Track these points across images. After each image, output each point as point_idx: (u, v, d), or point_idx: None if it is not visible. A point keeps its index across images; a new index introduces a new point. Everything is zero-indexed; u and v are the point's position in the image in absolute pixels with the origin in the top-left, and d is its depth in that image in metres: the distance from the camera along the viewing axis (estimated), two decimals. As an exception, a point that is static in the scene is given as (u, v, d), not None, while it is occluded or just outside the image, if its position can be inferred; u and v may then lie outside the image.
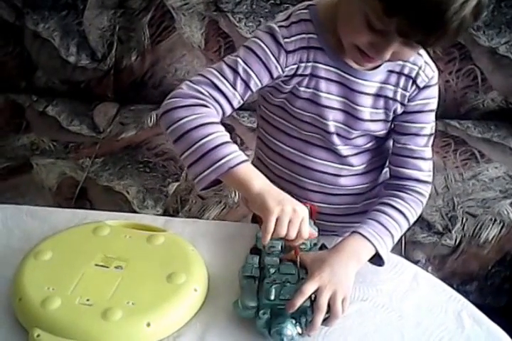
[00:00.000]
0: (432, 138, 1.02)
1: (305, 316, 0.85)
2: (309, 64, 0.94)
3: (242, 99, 0.93)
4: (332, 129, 1.00)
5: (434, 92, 1.00)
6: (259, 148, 1.11)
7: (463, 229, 1.55)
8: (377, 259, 0.95)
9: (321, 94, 0.97)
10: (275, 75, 0.93)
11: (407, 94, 0.98)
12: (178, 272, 0.93)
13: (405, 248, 1.48)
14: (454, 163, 1.74)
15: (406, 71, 0.97)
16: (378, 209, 0.99)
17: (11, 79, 1.98)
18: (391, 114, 1.00)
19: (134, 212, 1.54)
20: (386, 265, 0.97)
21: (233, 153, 0.85)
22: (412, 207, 1.00)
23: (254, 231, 1.01)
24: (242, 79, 0.91)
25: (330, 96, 0.97)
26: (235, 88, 0.91)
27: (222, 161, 0.84)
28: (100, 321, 0.85)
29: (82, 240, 0.99)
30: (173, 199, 1.61)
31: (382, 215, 0.97)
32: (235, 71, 0.91)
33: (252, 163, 1.11)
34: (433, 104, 1.01)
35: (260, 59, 0.92)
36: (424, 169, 1.02)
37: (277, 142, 1.05)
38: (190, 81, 0.91)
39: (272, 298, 0.86)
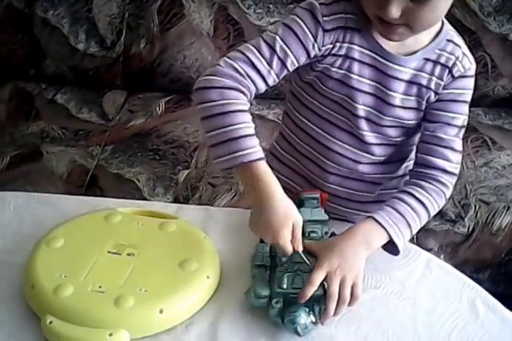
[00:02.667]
0: (463, 130, 1.00)
1: (318, 304, 0.85)
2: (345, 44, 0.94)
3: (278, 78, 0.93)
4: (361, 113, 0.99)
5: (469, 84, 0.99)
6: (285, 124, 1.10)
7: (476, 216, 1.54)
8: (392, 247, 0.94)
9: (352, 76, 0.96)
10: (312, 54, 0.93)
11: (442, 83, 0.97)
12: (190, 259, 0.93)
13: (417, 236, 1.46)
14: (466, 150, 1.71)
15: (442, 60, 0.97)
16: (398, 196, 0.97)
17: (20, 67, 1.97)
18: (424, 103, 0.99)
19: (145, 199, 1.54)
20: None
21: (251, 149, 0.86)
22: (433, 198, 0.97)
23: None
24: (279, 57, 0.91)
25: (362, 79, 0.96)
26: (271, 66, 0.91)
27: (238, 154, 0.85)
28: (113, 308, 0.85)
29: (94, 227, 0.99)
30: (184, 186, 1.60)
31: (401, 203, 0.95)
32: (273, 49, 0.91)
33: (275, 140, 1.13)
34: (467, 96, 0.99)
35: (298, 38, 0.91)
36: (451, 160, 0.99)
37: (303, 119, 1.04)
38: (228, 57, 0.91)
39: (285, 286, 0.86)
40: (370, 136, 1.01)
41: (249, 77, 0.89)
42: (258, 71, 0.90)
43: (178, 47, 1.87)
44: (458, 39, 0.99)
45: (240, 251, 0.98)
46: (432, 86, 0.98)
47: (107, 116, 1.86)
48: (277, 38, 0.91)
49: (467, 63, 0.98)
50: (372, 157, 1.04)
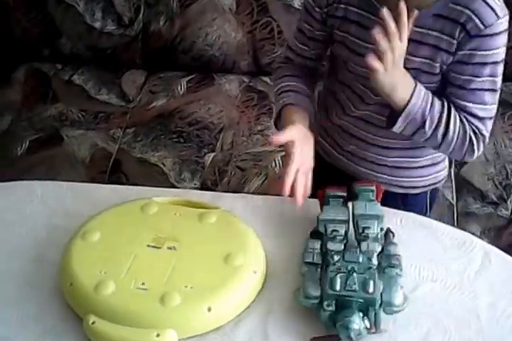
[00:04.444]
0: (490, 93, 0.90)
1: (373, 309, 0.79)
2: (341, 5, 0.93)
3: (323, 48, 1.03)
4: (367, 75, 0.92)
5: (492, 43, 0.87)
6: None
7: (519, 198, 1.48)
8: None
9: (351, 38, 0.94)
10: (318, 18, 0.98)
11: (454, 41, 0.87)
12: (235, 253, 0.87)
13: (458, 220, 1.41)
14: (503, 127, 1.64)
15: (453, 15, 0.86)
16: (443, 101, 0.91)
17: (34, 47, 1.90)
18: (438, 65, 0.90)
19: (172, 185, 1.49)
20: (454, 242, 0.92)
21: (285, 98, 1.00)
22: (462, 120, 0.91)
23: (313, 208, 0.95)
24: (308, 37, 1.01)
25: (361, 42, 0.93)
26: (308, 46, 1.03)
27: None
28: (158, 306, 0.80)
29: (130, 219, 0.94)
30: (211, 170, 1.54)
31: (439, 103, 0.91)
32: (301, 31, 1.02)
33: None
34: (488, 57, 0.88)
35: (307, 10, 0.99)
36: (477, 126, 0.92)
37: (330, 78, 1.07)
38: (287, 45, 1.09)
39: (338, 288, 0.80)
40: (376, 98, 0.96)
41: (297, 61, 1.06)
42: (301, 55, 1.05)
43: (200, 24, 1.79)
44: None
45: (284, 242, 0.93)
46: (443, 45, 0.88)
47: (127, 97, 1.79)
48: (299, 21, 1.03)
49: (489, 18, 0.85)
50: (381, 118, 0.99)
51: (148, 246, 0.88)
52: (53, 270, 0.90)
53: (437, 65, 0.90)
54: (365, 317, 0.79)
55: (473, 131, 0.93)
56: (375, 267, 0.83)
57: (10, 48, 1.90)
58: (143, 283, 0.83)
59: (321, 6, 0.96)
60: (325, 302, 0.80)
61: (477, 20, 0.85)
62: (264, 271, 0.88)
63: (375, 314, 0.80)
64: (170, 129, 1.66)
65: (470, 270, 0.90)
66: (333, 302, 0.80)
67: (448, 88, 0.93)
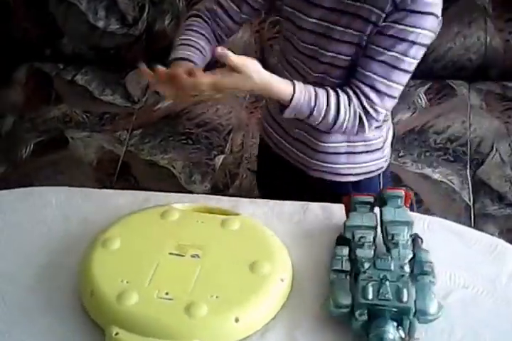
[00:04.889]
0: (399, 73, 0.90)
1: (408, 318, 0.77)
2: None
3: (250, 16, 1.02)
4: (307, 52, 0.96)
5: (414, 20, 0.87)
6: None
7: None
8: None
9: (297, 13, 0.95)
10: None
11: (383, 15, 0.88)
12: (260, 260, 0.84)
13: (475, 221, 1.39)
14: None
15: None
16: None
17: (35, 47, 1.87)
18: (366, 38, 0.90)
19: (182, 187, 1.46)
20: (484, 247, 0.90)
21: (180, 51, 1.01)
22: (350, 99, 0.92)
23: (338, 213, 0.93)
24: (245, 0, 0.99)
25: (304, 17, 0.94)
26: (240, 9, 1.00)
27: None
28: (184, 317, 0.77)
29: (151, 226, 0.91)
30: (221, 173, 1.52)
31: (322, 90, 0.92)
32: None
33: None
34: (404, 32, 0.87)
35: None
36: (372, 99, 0.92)
37: (277, 60, 1.08)
38: None
39: (370, 297, 0.77)
40: (313, 76, 0.98)
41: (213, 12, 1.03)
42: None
43: (206, 23, 1.76)
44: None
45: (308, 249, 0.91)
46: (373, 18, 0.89)
47: (132, 97, 1.76)
48: None
49: None
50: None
51: (171, 254, 0.85)
52: (71, 278, 0.87)
53: (365, 37, 0.91)
54: (400, 327, 0.77)
55: (364, 109, 0.93)
56: (407, 275, 0.80)
57: (10, 48, 1.86)
58: (167, 293, 0.80)
59: None
60: (357, 312, 0.77)
61: None
62: (291, 278, 0.86)
63: (410, 323, 0.77)
64: (178, 131, 1.63)
65: (502, 275, 0.87)
66: (366, 311, 0.77)
67: (359, 60, 0.92)
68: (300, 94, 0.90)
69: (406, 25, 0.88)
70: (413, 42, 0.89)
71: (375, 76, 0.91)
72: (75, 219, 0.98)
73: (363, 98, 0.93)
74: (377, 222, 0.89)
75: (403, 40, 0.88)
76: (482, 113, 1.66)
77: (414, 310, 0.77)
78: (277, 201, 1.01)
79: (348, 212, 0.91)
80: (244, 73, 0.85)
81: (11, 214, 0.99)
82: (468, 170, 1.51)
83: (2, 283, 0.88)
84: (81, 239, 0.92)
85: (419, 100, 1.69)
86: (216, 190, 1.47)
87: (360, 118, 0.94)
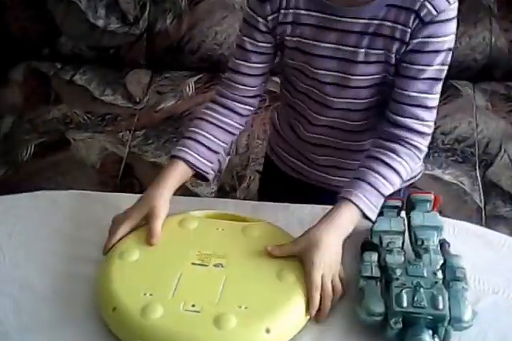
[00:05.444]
0: (439, 83, 0.89)
1: (443, 325, 0.75)
2: (290, 11, 0.90)
3: (265, 62, 0.96)
4: (326, 79, 0.93)
5: (444, 29, 0.86)
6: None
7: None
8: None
9: (307, 41, 0.91)
10: (264, 29, 0.92)
11: (409, 30, 0.86)
12: (287, 268, 0.82)
13: (487, 223, 1.38)
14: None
15: (407, 3, 0.85)
16: (368, 165, 0.89)
17: (32, 46, 1.82)
18: (393, 56, 0.88)
19: (188, 189, 1.43)
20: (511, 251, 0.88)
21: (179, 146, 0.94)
22: (405, 161, 0.90)
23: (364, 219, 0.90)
24: (249, 50, 0.94)
25: (318, 43, 0.91)
26: (251, 62, 0.95)
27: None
28: (214, 330, 0.74)
29: (169, 235, 0.87)
30: (228, 175, 1.49)
31: (371, 173, 0.88)
32: (242, 48, 0.95)
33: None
34: (441, 44, 0.87)
35: (249, 23, 0.93)
36: (423, 118, 0.90)
37: (285, 91, 1.03)
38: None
39: (405, 304, 0.75)
40: (340, 102, 0.95)
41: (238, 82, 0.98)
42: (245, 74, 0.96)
43: (209, 23, 1.73)
44: None
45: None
46: (398, 35, 0.86)
47: (133, 98, 1.72)
48: (239, 34, 0.96)
49: (442, 4, 0.84)
50: (351, 123, 0.98)
51: (194, 264, 0.82)
52: (88, 288, 0.83)
53: (393, 55, 0.88)
54: (435, 335, 0.75)
55: (413, 146, 0.91)
56: (440, 281, 0.78)
57: (7, 47, 1.81)
58: (193, 305, 0.77)
59: (265, 15, 0.91)
60: (392, 320, 0.75)
61: (430, 7, 0.84)
62: None
63: (445, 331, 0.75)
64: (181, 132, 1.60)
65: (532, 280, 0.86)
66: (400, 319, 0.75)
67: (397, 81, 0.90)
68: (365, 203, 0.86)
69: (439, 37, 0.86)
70: (448, 49, 0.88)
71: (420, 94, 0.89)
72: (88, 224, 0.94)
73: (410, 134, 0.90)
74: (405, 226, 0.87)
75: (440, 51, 0.87)
76: (488, 113, 1.65)
77: (449, 318, 0.75)
78: (297, 205, 0.99)
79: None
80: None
81: (21, 218, 0.96)
82: (477, 172, 1.49)
83: (16, 290, 0.84)
84: (94, 246, 0.88)
85: (424, 101, 1.67)
86: (223, 193, 1.45)
87: (415, 154, 0.92)
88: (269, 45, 0.94)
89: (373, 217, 0.87)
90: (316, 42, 0.91)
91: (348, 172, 1.03)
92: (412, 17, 0.85)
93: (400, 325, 0.75)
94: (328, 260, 0.82)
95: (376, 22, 0.87)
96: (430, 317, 0.75)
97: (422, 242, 0.84)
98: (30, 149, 1.54)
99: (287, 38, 0.92)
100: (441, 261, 0.81)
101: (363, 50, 0.89)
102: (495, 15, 1.68)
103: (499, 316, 0.81)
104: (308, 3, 0.89)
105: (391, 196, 0.91)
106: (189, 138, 0.95)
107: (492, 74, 1.74)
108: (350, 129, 0.99)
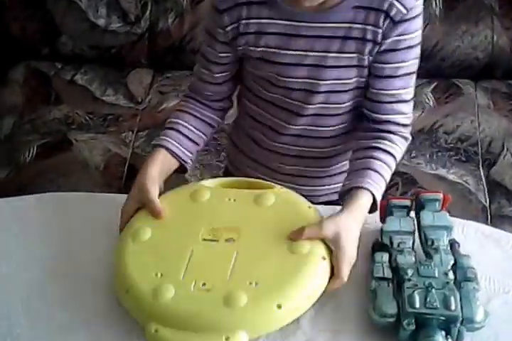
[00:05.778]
0: (414, 75, 0.91)
1: (455, 326, 0.75)
2: (252, 21, 0.88)
3: (227, 72, 0.96)
4: (295, 86, 0.92)
5: (414, 26, 0.88)
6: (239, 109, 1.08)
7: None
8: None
9: (272, 50, 0.90)
10: (222, 39, 0.91)
11: (380, 30, 0.86)
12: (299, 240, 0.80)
13: (492, 222, 1.37)
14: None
15: (375, 4, 0.85)
16: (371, 155, 0.91)
17: (32, 46, 1.80)
18: (366, 58, 0.88)
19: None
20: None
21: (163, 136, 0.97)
22: (399, 147, 0.94)
23: (374, 218, 0.90)
24: (210, 61, 0.95)
25: (284, 51, 0.90)
26: (214, 72, 0.96)
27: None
28: (223, 308, 0.74)
29: (181, 210, 0.86)
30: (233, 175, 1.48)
31: (376, 162, 0.90)
32: (205, 57, 0.96)
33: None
34: (412, 40, 0.88)
35: (209, 33, 0.93)
36: (404, 112, 0.93)
37: (246, 101, 1.02)
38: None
39: (418, 305, 0.75)
40: (311, 108, 0.94)
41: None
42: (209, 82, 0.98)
43: (211, 22, 1.72)
44: None
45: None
46: (369, 36, 0.87)
47: (135, 98, 1.71)
48: (202, 44, 0.96)
49: (409, 2, 0.85)
50: (323, 129, 0.98)
51: (205, 239, 0.81)
52: (98, 290, 0.83)
53: (365, 57, 0.89)
54: (448, 336, 0.75)
55: (404, 138, 0.95)
56: (452, 282, 0.78)
57: (6, 47, 1.80)
58: (204, 284, 0.76)
59: (223, 26, 0.90)
60: (405, 321, 0.75)
61: (399, 6, 0.85)
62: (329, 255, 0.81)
63: (459, 332, 0.75)
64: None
65: (542, 280, 0.86)
66: (413, 320, 0.75)
67: (373, 82, 0.91)
68: (377, 190, 0.88)
69: (411, 33, 0.88)
70: (419, 44, 0.90)
71: (399, 91, 0.91)
72: (96, 226, 0.94)
73: (396, 127, 0.93)
74: (414, 226, 0.87)
75: (413, 46, 0.89)
76: (490, 112, 1.64)
77: (461, 318, 0.75)
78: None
79: (383, 216, 0.89)
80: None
81: (28, 220, 0.95)
82: (481, 171, 1.49)
83: (25, 293, 0.84)
84: (106, 247, 0.88)
85: (426, 100, 1.67)
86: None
87: (405, 144, 0.96)
88: (230, 54, 0.94)
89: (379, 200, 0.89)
90: (283, 51, 0.90)
91: (312, 181, 1.06)
92: (382, 17, 0.85)
93: (412, 326, 0.75)
94: (353, 246, 0.82)
95: (346, 25, 0.87)
96: (443, 318, 0.75)
97: (432, 242, 0.84)
98: (33, 150, 1.53)
99: (251, 48, 0.91)
100: (452, 262, 0.81)
101: (333, 55, 0.89)
102: (496, 13, 1.68)
103: (510, 316, 0.81)
104: (272, 12, 0.87)
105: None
106: (171, 128, 0.97)
107: (493, 73, 1.74)
108: (322, 136, 0.99)
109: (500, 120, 1.62)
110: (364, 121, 0.95)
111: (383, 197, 0.90)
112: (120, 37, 1.75)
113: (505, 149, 1.54)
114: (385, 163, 0.91)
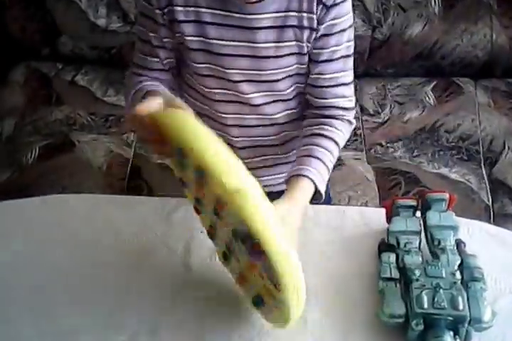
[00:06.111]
0: (351, 58, 0.93)
1: (463, 326, 0.75)
2: (190, 9, 0.87)
3: (170, 57, 0.93)
4: (237, 78, 0.92)
5: (345, 9, 0.90)
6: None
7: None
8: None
9: (211, 41, 0.89)
10: (161, 21, 0.89)
11: (315, 16, 0.88)
12: None
13: (495, 221, 1.38)
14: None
15: None
16: (313, 142, 0.93)
17: (32, 46, 1.79)
18: (305, 45, 0.90)
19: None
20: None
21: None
22: (343, 132, 0.96)
23: (374, 218, 0.90)
24: (156, 46, 0.92)
25: (223, 42, 0.89)
26: (159, 57, 0.93)
27: None
28: None
29: None
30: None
31: (319, 149, 0.92)
32: (146, 41, 0.93)
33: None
34: (344, 23, 0.90)
35: (146, 15, 0.90)
36: (345, 95, 0.95)
37: (188, 97, 1.00)
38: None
39: (426, 306, 0.75)
40: (256, 98, 0.95)
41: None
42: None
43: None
44: None
45: (347, 256, 0.89)
46: (305, 23, 0.88)
47: (136, 98, 1.70)
48: (137, 26, 0.94)
49: None
50: (271, 117, 0.99)
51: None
52: (105, 292, 0.83)
53: (304, 44, 0.90)
54: (456, 336, 0.75)
55: (349, 121, 0.96)
56: (459, 282, 0.79)
57: (6, 47, 1.79)
58: None
59: (161, 6, 0.88)
60: (413, 321, 0.75)
61: None
62: None
63: (467, 332, 0.76)
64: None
65: (547, 279, 0.87)
66: (421, 320, 0.75)
67: (312, 67, 0.93)
68: (319, 179, 0.89)
69: (342, 17, 0.90)
70: (351, 26, 0.92)
71: (337, 74, 0.93)
72: (102, 227, 0.94)
73: (340, 112, 0.95)
74: (421, 226, 0.87)
75: (345, 29, 0.91)
76: (490, 111, 1.65)
77: (469, 318, 0.76)
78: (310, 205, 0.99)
79: (389, 217, 0.89)
80: None
81: (33, 222, 0.95)
82: (483, 170, 1.50)
83: (31, 295, 0.84)
84: (116, 251, 0.89)
85: (427, 98, 1.68)
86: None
87: (348, 129, 0.97)
88: (172, 40, 0.91)
89: (323, 190, 0.90)
90: (223, 42, 0.89)
91: (273, 169, 1.06)
92: (315, 3, 0.87)
93: (421, 327, 0.75)
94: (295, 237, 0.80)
95: (282, 14, 0.88)
96: (451, 318, 0.75)
97: (439, 242, 0.84)
98: (35, 152, 1.53)
99: (188, 38, 0.89)
100: (459, 262, 0.82)
101: (273, 44, 0.89)
102: (495, 12, 1.69)
103: (517, 316, 0.82)
104: (210, 1, 0.87)
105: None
106: (149, 91, 0.90)
107: (493, 71, 1.75)
108: (274, 123, 1.00)
109: (500, 118, 1.63)
110: (309, 108, 0.97)
111: (388, 197, 0.90)
112: (120, 37, 1.75)
113: (507, 148, 1.54)
114: (326, 149, 0.92)
